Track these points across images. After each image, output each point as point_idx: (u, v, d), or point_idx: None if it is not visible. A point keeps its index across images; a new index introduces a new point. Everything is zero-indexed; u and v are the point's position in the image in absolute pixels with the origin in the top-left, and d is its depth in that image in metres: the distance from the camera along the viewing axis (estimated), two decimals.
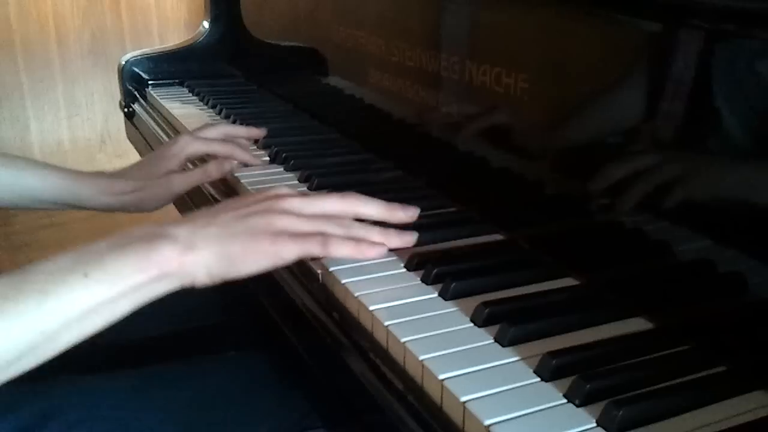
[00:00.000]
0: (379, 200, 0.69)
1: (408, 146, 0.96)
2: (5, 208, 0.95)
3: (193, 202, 1.03)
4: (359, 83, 1.06)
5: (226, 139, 1.01)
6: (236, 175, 0.95)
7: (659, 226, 0.60)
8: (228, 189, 0.96)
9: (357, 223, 0.67)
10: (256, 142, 1.08)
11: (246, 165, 0.98)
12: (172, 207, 1.07)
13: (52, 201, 0.93)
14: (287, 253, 0.62)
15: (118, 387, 0.75)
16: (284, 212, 0.64)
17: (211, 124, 1.06)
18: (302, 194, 0.68)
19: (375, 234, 0.67)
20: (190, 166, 0.99)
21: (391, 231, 0.68)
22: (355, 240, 0.65)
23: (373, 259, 0.66)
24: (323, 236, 0.63)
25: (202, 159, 1.00)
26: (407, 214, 0.70)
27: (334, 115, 1.16)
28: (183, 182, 0.95)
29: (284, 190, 0.68)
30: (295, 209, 0.65)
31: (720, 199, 0.56)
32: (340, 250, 0.64)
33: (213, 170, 0.94)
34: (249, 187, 0.91)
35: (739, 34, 0.53)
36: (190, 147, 0.97)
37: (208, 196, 0.98)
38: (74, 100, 2.99)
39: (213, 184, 0.97)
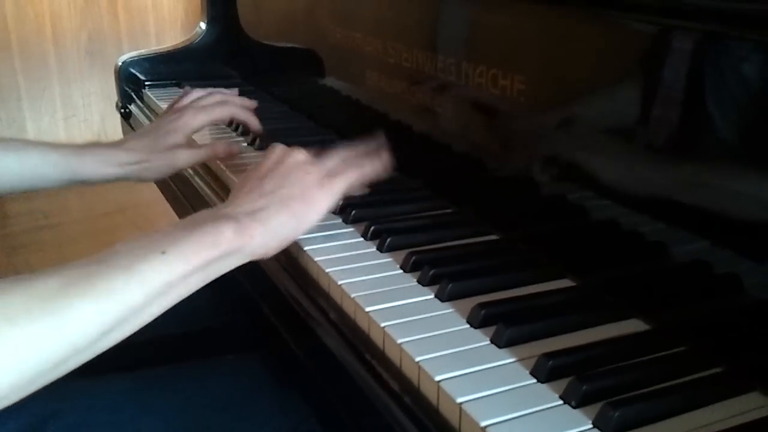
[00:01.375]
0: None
1: (405, 147, 0.95)
2: (6, 193, 0.96)
3: (180, 192, 1.08)
4: (356, 84, 1.06)
5: (226, 102, 1.04)
6: (222, 165, 0.97)
7: (655, 228, 0.60)
8: (214, 179, 1.00)
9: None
10: (246, 133, 1.12)
11: (248, 127, 1.05)
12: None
13: (54, 179, 0.93)
14: (337, 188, 0.71)
15: (116, 390, 0.75)
16: (307, 162, 0.72)
17: (208, 91, 1.07)
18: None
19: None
20: (194, 139, 1.01)
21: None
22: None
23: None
24: (355, 165, 0.73)
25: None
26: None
27: (331, 117, 1.16)
28: (189, 157, 0.96)
29: (281, 145, 0.75)
30: (308, 159, 0.72)
31: (716, 200, 0.56)
32: (370, 166, 0.75)
33: (220, 149, 0.98)
34: (234, 177, 0.93)
35: (739, 37, 0.53)
36: (195, 121, 0.98)
37: (195, 186, 1.01)
38: (71, 101, 2.99)
39: (198, 174, 1.02)
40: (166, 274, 0.60)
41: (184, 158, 0.95)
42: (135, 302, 0.58)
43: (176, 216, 1.11)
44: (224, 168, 0.97)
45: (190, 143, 0.98)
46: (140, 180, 0.96)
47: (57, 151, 0.92)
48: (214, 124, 1.07)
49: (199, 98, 1.03)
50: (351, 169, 0.73)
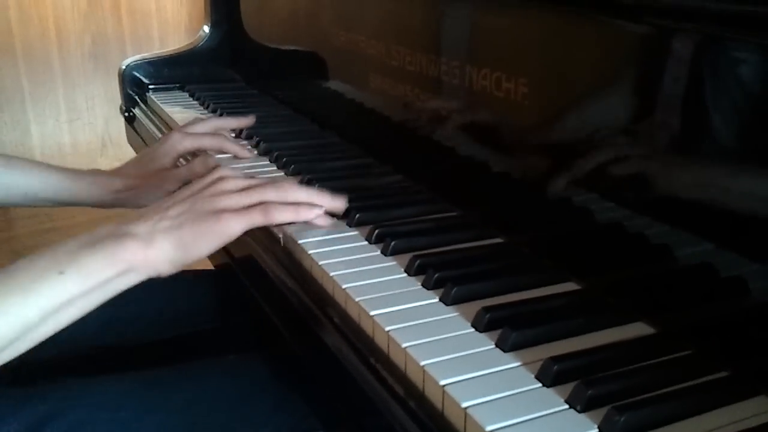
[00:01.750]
0: (308, 188, 0.77)
1: (408, 150, 0.95)
2: (5, 206, 0.99)
3: None
4: (360, 87, 1.06)
5: (216, 133, 1.05)
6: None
7: (660, 231, 0.60)
8: None
9: (294, 186, 0.75)
10: (240, 134, 1.13)
11: (237, 157, 1.03)
12: None
13: (52, 200, 0.97)
14: (232, 228, 0.68)
15: (117, 390, 0.75)
16: (224, 192, 0.71)
17: (200, 119, 1.10)
18: (236, 174, 0.74)
19: (310, 195, 0.75)
20: (183, 162, 1.02)
21: (325, 192, 0.76)
22: (294, 205, 0.73)
23: (319, 225, 0.75)
24: (264, 205, 0.70)
25: (194, 153, 1.03)
26: (335, 202, 0.77)
27: (335, 119, 1.16)
28: (173, 179, 0.98)
29: (225, 172, 0.74)
30: (235, 186, 0.72)
31: (721, 203, 0.55)
32: (282, 215, 0.71)
33: (197, 166, 0.97)
34: None
35: (740, 38, 0.53)
36: (180, 145, 1.00)
37: None
38: (75, 104, 2.99)
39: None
40: (64, 294, 0.62)
41: (169, 181, 0.97)
42: (30, 321, 0.60)
43: None
44: None
45: (177, 165, 1.00)
46: (135, 206, 0.97)
47: (58, 175, 0.97)
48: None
49: (190, 123, 1.05)
50: (270, 210, 0.71)
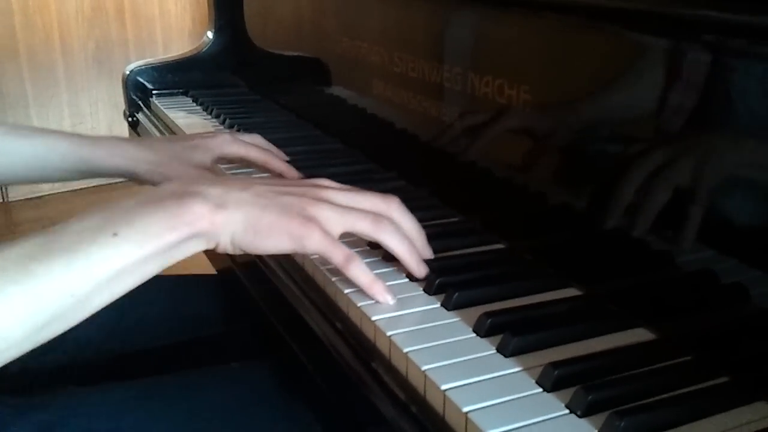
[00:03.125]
0: (415, 219, 0.68)
1: (411, 156, 0.96)
2: (10, 183, 0.93)
3: None
4: (362, 93, 1.06)
5: (263, 149, 0.97)
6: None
7: (661, 237, 0.60)
8: None
9: (403, 208, 0.67)
10: None
11: (282, 176, 0.94)
12: None
13: (63, 168, 0.90)
14: (312, 243, 0.61)
15: (120, 398, 0.75)
16: (325, 200, 0.63)
17: (249, 134, 1.02)
18: (344, 186, 0.67)
19: (418, 234, 0.67)
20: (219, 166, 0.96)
21: (415, 254, 0.66)
22: (373, 276, 0.63)
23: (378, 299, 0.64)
24: (350, 253, 0.62)
25: (229, 162, 0.97)
26: (426, 249, 0.68)
27: (338, 125, 1.16)
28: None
29: (325, 181, 0.67)
30: (333, 199, 0.64)
31: (722, 209, 0.56)
32: (358, 276, 0.63)
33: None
34: None
35: (742, 46, 0.53)
36: (228, 147, 0.93)
37: None
38: (78, 108, 3.01)
39: None
40: (117, 259, 0.54)
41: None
42: (78, 289, 0.53)
43: None
44: None
45: (214, 168, 0.94)
46: (151, 182, 0.91)
47: (67, 140, 0.90)
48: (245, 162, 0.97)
49: (238, 134, 0.99)
50: (351, 264, 0.62)
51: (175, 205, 0.57)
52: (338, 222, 0.63)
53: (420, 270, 0.66)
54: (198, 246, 0.59)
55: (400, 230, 0.65)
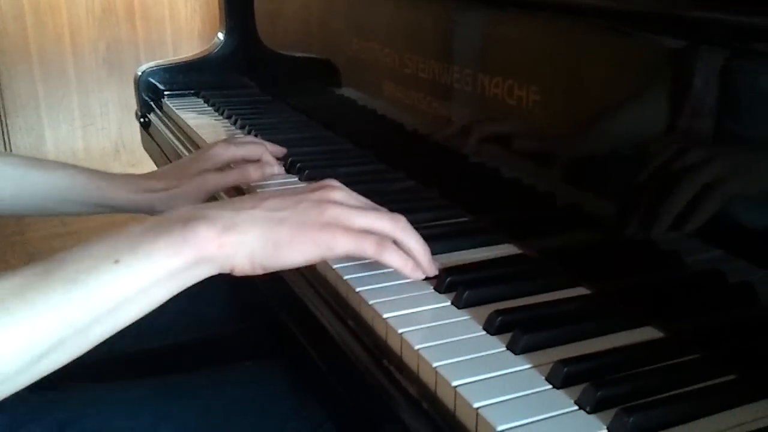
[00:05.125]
0: (420, 237, 0.67)
1: (421, 157, 0.97)
2: (29, 214, 0.93)
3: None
4: (372, 94, 1.07)
5: (258, 143, 1.00)
6: (254, 185, 0.95)
7: (670, 237, 0.61)
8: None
9: (408, 227, 0.66)
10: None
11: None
12: None
13: (80, 201, 0.91)
14: (340, 245, 0.60)
15: (134, 396, 0.75)
16: (336, 202, 0.62)
17: (240, 136, 1.08)
18: (354, 195, 0.67)
19: (419, 246, 0.66)
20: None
21: (418, 272, 0.67)
22: (405, 255, 0.64)
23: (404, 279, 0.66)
24: (380, 240, 0.62)
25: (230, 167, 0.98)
26: (431, 267, 0.68)
27: (348, 126, 1.17)
28: (218, 181, 0.92)
29: (335, 182, 0.66)
30: (347, 200, 0.64)
31: (731, 209, 0.56)
32: (393, 258, 0.63)
33: (252, 172, 0.93)
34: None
35: (754, 48, 0.54)
36: (225, 153, 0.95)
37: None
38: (89, 109, 3.02)
39: (230, 194, 0.96)
40: (118, 288, 0.53)
41: (213, 181, 0.92)
42: (77, 320, 0.51)
43: None
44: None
45: (219, 169, 0.96)
46: (170, 209, 0.93)
47: (86, 174, 0.91)
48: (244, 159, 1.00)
49: (233, 137, 1.03)
50: (384, 248, 0.62)
51: (180, 229, 0.56)
52: (359, 220, 0.62)
53: (432, 271, 0.67)
54: (207, 271, 0.57)
55: (402, 249, 0.65)
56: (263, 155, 0.97)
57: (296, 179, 0.99)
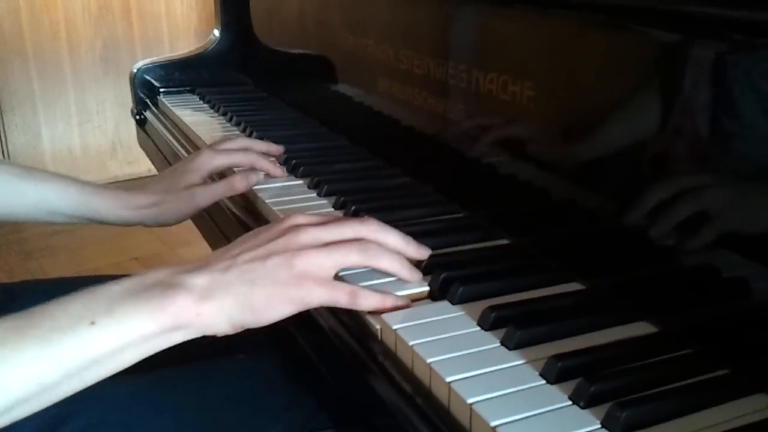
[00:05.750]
0: (397, 231, 0.67)
1: (416, 153, 0.97)
2: (19, 221, 0.94)
3: (211, 217, 1.01)
4: (368, 91, 1.07)
5: (247, 150, 0.99)
6: (254, 189, 0.93)
7: (663, 232, 0.61)
8: (247, 204, 0.94)
9: (379, 248, 0.65)
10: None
11: (269, 175, 0.97)
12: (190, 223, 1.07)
13: (69, 214, 0.92)
14: (313, 298, 0.61)
15: (129, 391, 0.75)
16: (304, 247, 0.62)
17: (230, 138, 1.06)
18: (320, 220, 0.65)
19: (393, 263, 0.65)
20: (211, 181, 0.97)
21: (406, 264, 0.66)
22: (381, 293, 0.63)
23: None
24: (352, 290, 0.62)
25: (222, 174, 0.98)
26: (419, 251, 0.68)
27: (344, 122, 1.17)
28: (206, 195, 0.92)
29: (300, 219, 0.65)
30: (315, 241, 0.63)
31: (724, 204, 0.56)
32: (368, 301, 0.62)
33: (238, 183, 0.92)
34: (267, 201, 0.90)
35: (752, 45, 0.54)
36: (212, 161, 0.95)
37: (226, 211, 0.96)
38: (85, 107, 3.02)
39: (232, 198, 0.96)
40: (92, 349, 0.53)
41: (200, 196, 0.92)
42: (47, 378, 0.52)
43: (192, 225, 1.10)
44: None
45: (206, 182, 0.95)
46: (158, 224, 0.94)
47: (76, 186, 0.92)
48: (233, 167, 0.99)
49: (220, 142, 1.01)
50: (357, 296, 0.62)
51: (158, 296, 0.56)
52: (329, 264, 0.62)
53: (413, 276, 0.67)
54: (182, 337, 0.58)
55: (387, 248, 0.65)
56: (255, 163, 0.97)
57: (300, 182, 0.97)
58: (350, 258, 0.63)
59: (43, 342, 0.52)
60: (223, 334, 0.60)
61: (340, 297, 0.61)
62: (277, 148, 1.04)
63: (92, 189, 0.92)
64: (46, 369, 0.52)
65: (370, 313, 0.63)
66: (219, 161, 0.96)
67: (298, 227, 0.63)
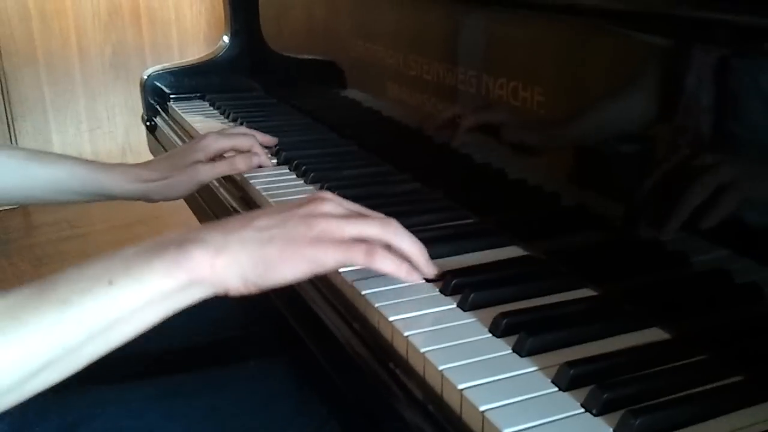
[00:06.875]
0: (414, 238, 0.66)
1: (426, 158, 0.97)
2: (30, 204, 0.99)
3: (205, 202, 1.08)
4: (377, 96, 1.07)
5: (246, 135, 1.07)
6: (246, 176, 1.00)
7: (675, 237, 0.61)
8: (240, 191, 1.01)
9: (399, 229, 0.65)
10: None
11: (259, 165, 1.04)
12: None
13: (78, 191, 0.96)
14: (329, 258, 0.60)
15: (141, 397, 0.76)
16: (324, 214, 0.62)
17: (231, 128, 1.15)
18: (345, 202, 0.66)
19: (413, 248, 0.65)
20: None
21: (424, 251, 0.67)
22: (398, 258, 0.63)
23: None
24: (369, 247, 0.61)
25: (222, 157, 1.04)
26: (430, 269, 0.68)
27: (353, 128, 1.17)
28: (209, 171, 0.99)
29: (325, 194, 0.66)
30: (336, 210, 0.63)
31: (736, 209, 0.56)
32: (385, 264, 0.62)
33: (240, 162, 1.00)
34: (258, 187, 0.96)
35: (759, 49, 0.53)
36: (215, 143, 1.02)
37: (220, 198, 1.02)
38: (96, 113, 3.03)
39: (225, 186, 1.03)
40: (111, 308, 0.53)
41: (204, 172, 0.99)
42: (71, 339, 0.52)
43: (199, 224, 1.13)
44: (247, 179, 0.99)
45: (211, 159, 1.02)
46: (163, 198, 1.00)
47: (85, 166, 0.97)
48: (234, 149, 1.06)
49: (223, 130, 1.09)
50: (374, 255, 0.61)
51: (174, 252, 0.56)
52: (348, 228, 0.62)
53: (431, 273, 0.67)
54: (200, 293, 0.58)
55: (396, 253, 0.65)
56: (253, 146, 1.04)
57: (285, 170, 1.03)
58: (371, 230, 0.63)
59: (64, 305, 0.52)
60: (236, 293, 0.59)
61: (356, 256, 0.61)
62: (270, 139, 1.12)
63: (100, 165, 0.98)
64: (68, 331, 0.52)
65: (384, 319, 0.63)
66: (222, 143, 1.03)
67: (322, 200, 0.64)
